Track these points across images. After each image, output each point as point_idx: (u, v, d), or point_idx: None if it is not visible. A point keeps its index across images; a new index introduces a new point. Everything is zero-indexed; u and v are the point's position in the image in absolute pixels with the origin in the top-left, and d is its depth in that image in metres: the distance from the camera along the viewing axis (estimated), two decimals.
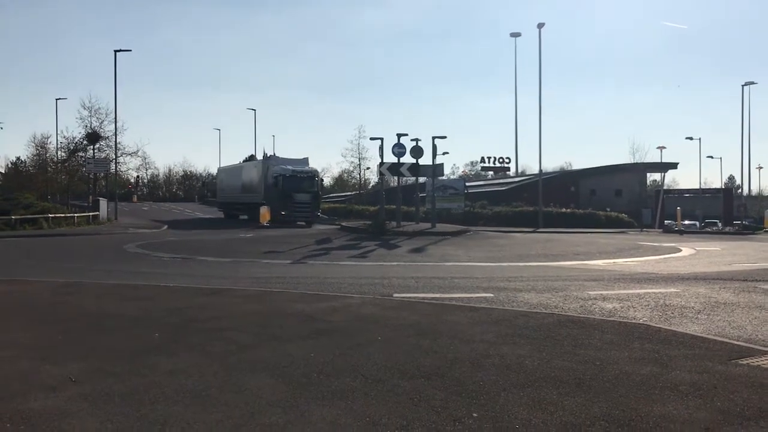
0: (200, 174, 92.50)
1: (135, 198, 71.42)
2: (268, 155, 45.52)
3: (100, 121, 42.77)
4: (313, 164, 43.84)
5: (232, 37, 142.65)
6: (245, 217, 44.37)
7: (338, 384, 4.24)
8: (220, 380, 4.35)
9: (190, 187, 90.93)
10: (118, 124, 41.20)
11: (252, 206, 40.23)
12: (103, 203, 38.27)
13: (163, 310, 7.38)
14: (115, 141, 41.74)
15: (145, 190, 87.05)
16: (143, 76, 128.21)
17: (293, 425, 3.46)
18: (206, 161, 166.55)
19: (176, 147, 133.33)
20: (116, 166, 43.14)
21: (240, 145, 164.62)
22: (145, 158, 53.80)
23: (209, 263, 14.83)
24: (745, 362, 4.90)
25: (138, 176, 73.21)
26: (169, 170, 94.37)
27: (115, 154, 42.24)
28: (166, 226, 34.14)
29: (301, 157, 43.81)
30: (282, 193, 38.38)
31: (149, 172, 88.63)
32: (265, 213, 34.32)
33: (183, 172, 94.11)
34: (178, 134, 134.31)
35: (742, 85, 49.34)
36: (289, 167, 40.54)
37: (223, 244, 21.17)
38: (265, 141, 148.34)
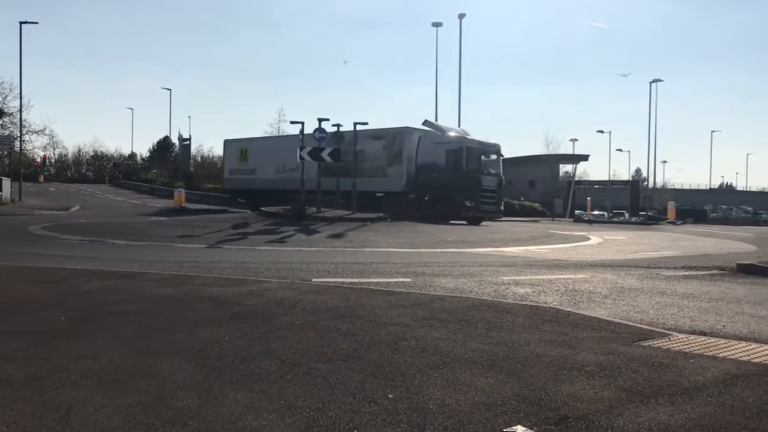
0: (111, 155, 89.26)
1: (42, 178, 68.29)
2: (426, 121, 29.25)
3: (3, 96, 40.73)
4: None
5: (148, 15, 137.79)
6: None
7: (254, 367, 4.18)
8: (131, 364, 4.22)
9: (100, 168, 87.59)
10: (23, 100, 39.26)
11: (369, 197, 27.64)
12: (6, 183, 36.34)
13: (72, 293, 7.08)
14: (20, 118, 39.83)
15: (52, 170, 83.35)
16: (52, 51, 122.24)
17: (206, 408, 3.39)
18: (118, 142, 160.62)
19: (86, 126, 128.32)
20: (21, 144, 41.07)
21: (153, 126, 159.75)
22: (52, 137, 50.58)
23: (120, 246, 14.35)
24: (647, 344, 5.14)
25: (45, 155, 70.02)
26: (79, 150, 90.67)
27: (20, 131, 40.26)
28: (75, 208, 32.75)
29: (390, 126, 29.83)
30: (467, 177, 26.18)
31: (57, 151, 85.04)
32: (179, 197, 33.17)
33: (93, 153, 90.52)
34: (88, 113, 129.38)
35: (650, 82, 51.74)
36: (472, 138, 28.17)
37: (134, 227, 20.53)
38: (181, 122, 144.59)
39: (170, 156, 75.28)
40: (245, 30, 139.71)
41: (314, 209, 25.33)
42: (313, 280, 8.75)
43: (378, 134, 29.58)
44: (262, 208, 27.96)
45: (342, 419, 3.28)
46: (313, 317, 5.87)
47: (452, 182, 26.06)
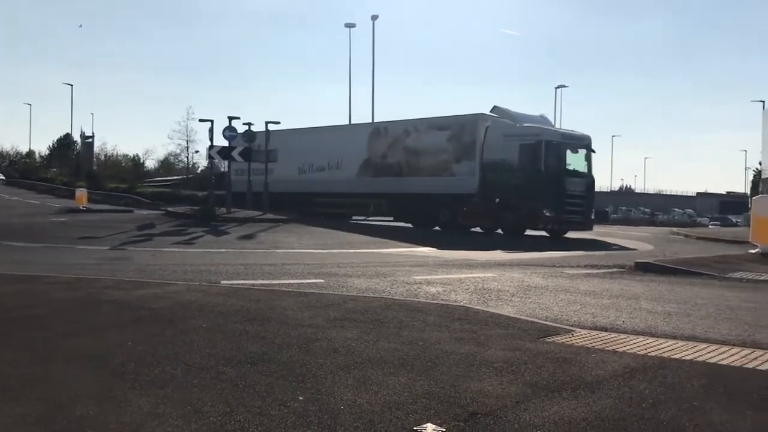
0: (7, 152, 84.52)
1: None
2: (496, 107, 23.52)
3: None
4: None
5: (47, 6, 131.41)
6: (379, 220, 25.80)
7: (158, 372, 4.04)
8: (26, 372, 3.98)
9: None
10: None
11: (436, 202, 23.57)
12: None
13: None
14: None
15: None
16: None
17: (107, 416, 3.24)
18: (14, 139, 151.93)
19: None
20: None
21: (54, 123, 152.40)
22: None
23: (17, 248, 13.61)
24: (551, 340, 5.30)
25: None
26: None
27: None
28: None
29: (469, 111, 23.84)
30: (546, 178, 21.14)
31: None
32: (81, 196, 31.47)
33: None
34: None
35: (555, 88, 53.58)
36: (554, 128, 23.24)
37: (32, 227, 19.52)
38: (84, 119, 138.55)
39: (72, 154, 72.05)
40: (153, 25, 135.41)
41: (224, 210, 24.84)
42: (222, 282, 8.56)
43: (441, 123, 24.26)
44: (169, 209, 27.17)
45: (251, 423, 3.21)
46: (222, 320, 5.73)
47: (527, 185, 21.07)
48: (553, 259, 13.80)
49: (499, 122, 22.75)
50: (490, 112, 23.44)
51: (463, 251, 15.53)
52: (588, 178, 22.52)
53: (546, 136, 21.43)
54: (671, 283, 9.79)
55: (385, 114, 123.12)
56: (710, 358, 4.82)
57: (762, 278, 10.64)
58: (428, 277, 9.78)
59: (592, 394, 3.82)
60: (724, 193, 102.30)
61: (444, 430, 3.18)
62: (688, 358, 4.80)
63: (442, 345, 4.96)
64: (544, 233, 22.47)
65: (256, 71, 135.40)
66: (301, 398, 3.60)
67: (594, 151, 22.99)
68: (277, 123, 28.14)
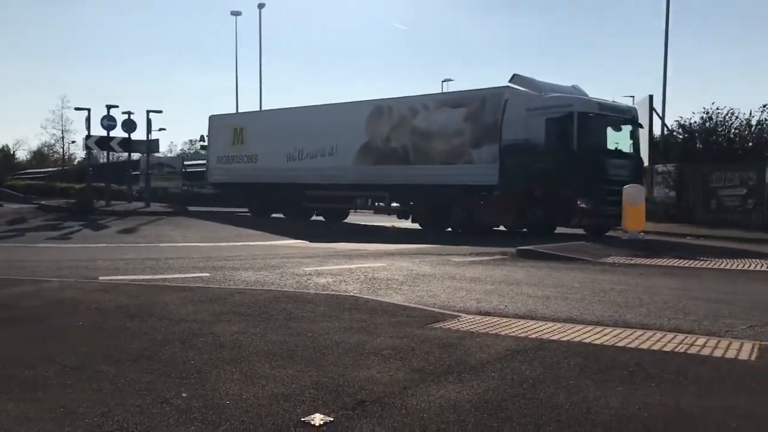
0: None
1: None
2: (516, 76, 18.77)
3: None
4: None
5: None
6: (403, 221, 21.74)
7: (29, 375, 3.79)
8: None
9: None
10: None
11: (449, 195, 19.26)
12: None
13: None
14: None
15: None
16: None
17: None
18: None
19: None
20: None
21: None
22: None
23: None
24: (438, 326, 5.41)
25: None
26: None
27: None
28: None
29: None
30: (580, 161, 16.80)
31: None
32: None
33: None
34: None
35: (442, 81, 54.71)
36: (588, 98, 18.27)
37: None
38: None
39: None
40: (18, 4, 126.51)
41: (103, 202, 23.71)
42: (101, 278, 8.16)
43: (457, 99, 19.98)
44: (43, 202, 25.59)
45: (130, 422, 3.07)
46: (100, 317, 5.46)
47: (556, 169, 16.94)
48: (440, 248, 14.11)
49: (519, 93, 18.27)
50: (510, 82, 19.02)
51: (354, 243, 15.59)
52: (635, 159, 18.35)
53: (579, 107, 17.23)
54: (550, 269, 10.25)
55: (274, 104, 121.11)
56: (585, 338, 5.08)
57: (632, 262, 11.36)
58: (319, 268, 9.74)
59: (476, 376, 3.93)
60: None
61: (332, 419, 3.17)
62: (566, 339, 5.03)
63: (331, 335, 4.94)
64: (580, 230, 17.91)
65: (136, 58, 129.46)
66: (184, 395, 3.48)
67: (642, 126, 18.98)
68: (159, 112, 27.19)
